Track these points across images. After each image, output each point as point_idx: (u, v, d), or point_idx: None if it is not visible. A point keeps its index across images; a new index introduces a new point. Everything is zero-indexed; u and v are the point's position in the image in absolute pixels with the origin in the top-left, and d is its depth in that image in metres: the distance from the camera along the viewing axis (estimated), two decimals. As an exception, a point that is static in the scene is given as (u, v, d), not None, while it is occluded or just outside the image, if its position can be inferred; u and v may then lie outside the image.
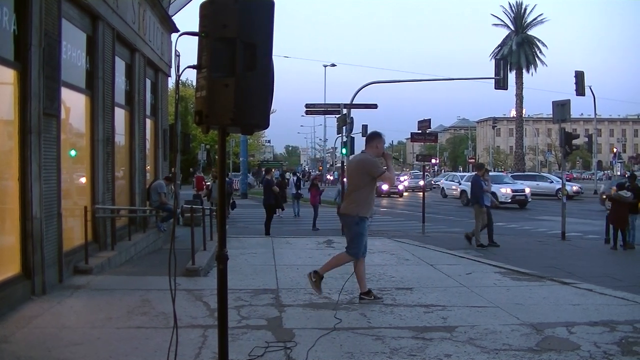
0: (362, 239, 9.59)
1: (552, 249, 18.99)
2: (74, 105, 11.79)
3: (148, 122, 17.76)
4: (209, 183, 37.34)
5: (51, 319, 8.24)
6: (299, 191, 34.35)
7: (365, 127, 43.40)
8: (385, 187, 45.20)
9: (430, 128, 27.52)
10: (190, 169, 63.01)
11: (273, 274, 12.05)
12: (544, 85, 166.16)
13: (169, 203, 17.25)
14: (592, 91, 53.61)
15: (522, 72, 73.92)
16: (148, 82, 17.82)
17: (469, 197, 19.31)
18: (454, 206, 41.61)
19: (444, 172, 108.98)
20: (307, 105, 33.00)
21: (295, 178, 37.33)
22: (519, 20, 77.63)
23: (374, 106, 31.65)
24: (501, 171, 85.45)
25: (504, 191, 39.65)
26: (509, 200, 39.22)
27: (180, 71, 5.28)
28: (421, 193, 51.01)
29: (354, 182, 9.72)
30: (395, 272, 12.37)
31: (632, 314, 9.02)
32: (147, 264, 13.73)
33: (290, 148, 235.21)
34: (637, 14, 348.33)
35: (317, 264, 12.70)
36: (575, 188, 49.15)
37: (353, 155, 10.55)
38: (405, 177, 64.17)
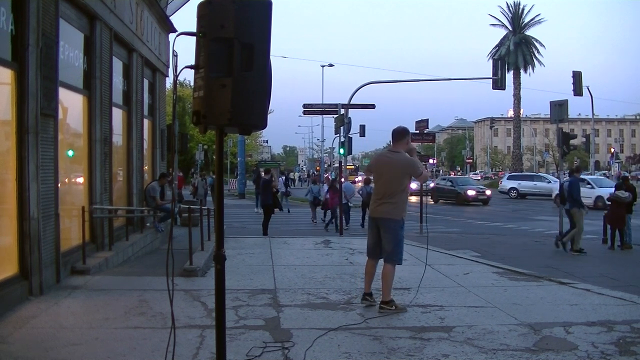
0: (403, 242, 9.34)
1: (550, 249, 18.98)
2: (72, 105, 11.78)
3: (145, 122, 17.75)
4: (194, 181, 38.04)
5: (49, 319, 8.23)
6: (288, 189, 36.49)
7: (362, 127, 43.41)
8: (471, 192, 46.73)
9: (427, 128, 27.55)
10: (192, 170, 63.06)
11: (271, 274, 12.04)
12: (541, 86, 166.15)
13: (166, 203, 17.25)
14: (589, 91, 53.57)
15: (519, 72, 74.05)
16: (146, 82, 17.81)
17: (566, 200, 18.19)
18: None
19: (441, 172, 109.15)
20: (305, 106, 32.99)
21: (283, 177, 38.47)
22: (516, 20, 77.73)
23: (372, 106, 31.65)
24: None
25: (471, 193, 47.11)
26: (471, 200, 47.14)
27: (178, 71, 5.28)
28: (483, 205, 51.70)
29: (396, 183, 9.09)
30: (393, 272, 12.35)
31: (630, 313, 9.03)
32: (144, 264, 13.72)
33: (288, 148, 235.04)
34: (635, 14, 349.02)
35: (314, 264, 12.75)
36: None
37: (386, 155, 9.84)
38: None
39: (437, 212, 36.13)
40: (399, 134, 9.41)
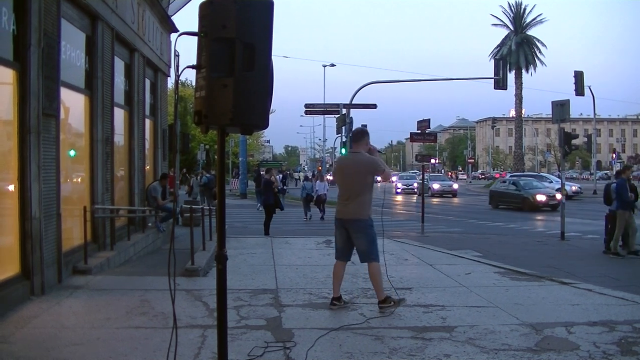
0: (377, 240, 9.28)
1: (551, 249, 18.99)
2: (73, 105, 11.79)
3: (147, 122, 17.75)
4: (191, 181, 38.49)
5: (50, 319, 8.24)
6: (284, 187, 36.98)
7: (364, 127, 43.49)
8: (436, 186, 54.56)
9: (429, 128, 27.53)
10: (184, 170, 63.09)
11: (272, 274, 12.04)
12: (543, 85, 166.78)
13: (167, 203, 17.26)
14: (591, 91, 53.64)
15: (521, 72, 73.96)
16: (147, 82, 17.82)
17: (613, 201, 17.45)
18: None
19: (443, 172, 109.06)
20: (306, 105, 33.10)
21: (281, 176, 38.77)
22: (518, 20, 77.66)
23: (374, 106, 31.75)
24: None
25: (436, 186, 56.15)
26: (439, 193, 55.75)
27: (180, 71, 5.28)
28: (452, 197, 52.22)
29: (359, 183, 9.08)
30: (395, 272, 12.32)
31: (632, 313, 9.02)
32: (146, 264, 13.71)
33: (289, 148, 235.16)
34: (636, 14, 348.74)
35: (316, 264, 12.75)
36: (574, 188, 48.90)
37: (348, 157, 9.97)
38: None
39: (439, 212, 36.11)
40: (358, 135, 9.53)
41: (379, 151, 9.76)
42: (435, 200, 48.39)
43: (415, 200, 49.88)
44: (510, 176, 53.06)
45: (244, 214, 33.34)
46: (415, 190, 59.31)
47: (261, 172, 47.98)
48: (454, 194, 56.55)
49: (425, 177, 51.54)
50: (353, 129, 9.49)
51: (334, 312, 8.94)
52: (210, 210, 17.79)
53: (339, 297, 9.30)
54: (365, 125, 28.65)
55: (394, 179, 61.44)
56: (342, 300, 9.32)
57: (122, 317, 8.38)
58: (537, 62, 75.24)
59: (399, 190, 60.63)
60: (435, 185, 56.58)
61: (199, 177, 36.44)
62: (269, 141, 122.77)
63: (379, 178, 9.57)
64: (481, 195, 55.56)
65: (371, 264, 9.16)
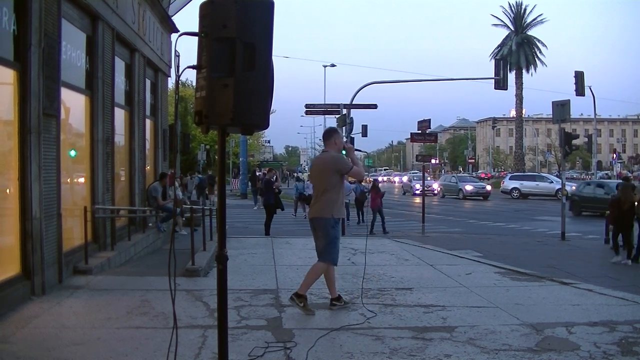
0: (338, 242, 9.20)
1: (552, 249, 19.03)
2: (74, 105, 11.79)
3: (148, 122, 17.75)
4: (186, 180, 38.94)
5: (51, 319, 8.24)
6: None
7: (365, 127, 43.25)
8: (468, 187, 52.68)
9: (429, 128, 27.52)
10: (171, 170, 63.17)
11: (273, 274, 12.04)
12: (543, 86, 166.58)
13: (168, 203, 17.26)
14: (591, 91, 53.49)
15: (521, 72, 73.99)
16: (148, 82, 17.82)
17: None
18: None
19: (444, 172, 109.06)
20: (307, 106, 33.02)
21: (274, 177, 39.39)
22: (518, 20, 77.71)
23: (374, 106, 31.66)
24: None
25: (469, 188, 53.90)
26: (472, 195, 53.28)
27: (180, 71, 5.29)
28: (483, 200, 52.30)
29: (323, 181, 9.06)
30: (395, 272, 12.37)
31: (632, 314, 9.02)
32: (146, 264, 13.71)
33: (290, 148, 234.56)
34: (636, 14, 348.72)
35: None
36: (574, 188, 48.72)
37: (318, 156, 10.01)
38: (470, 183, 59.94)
39: (442, 212, 36.10)
40: (326, 134, 9.58)
41: (356, 149, 9.78)
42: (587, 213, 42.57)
43: (437, 202, 49.17)
44: (599, 178, 52.37)
45: (245, 214, 33.35)
46: (436, 192, 58.51)
47: (256, 173, 48.39)
48: (485, 196, 53.33)
49: (601, 185, 48.84)
50: (325, 129, 9.47)
51: (334, 312, 8.95)
52: (209, 210, 17.77)
53: (338, 297, 9.31)
54: (340, 123, 28.66)
55: (404, 179, 60.95)
56: (342, 300, 9.33)
57: (123, 317, 8.38)
58: (538, 62, 75.35)
59: (417, 192, 57.12)
60: (468, 187, 54.34)
61: (192, 178, 37.40)
62: (269, 141, 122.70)
63: (350, 177, 9.49)
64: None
65: (319, 263, 9.13)
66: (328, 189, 8.98)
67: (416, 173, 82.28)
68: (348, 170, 9.10)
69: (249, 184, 43.84)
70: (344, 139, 9.64)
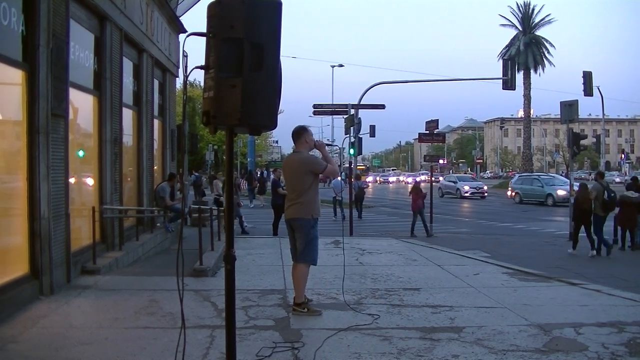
0: (317, 242, 9.18)
1: (560, 249, 18.97)
2: (82, 105, 11.82)
3: (156, 122, 17.79)
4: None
5: (59, 319, 8.26)
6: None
7: (372, 127, 43.28)
8: (466, 187, 51.96)
9: (437, 128, 27.42)
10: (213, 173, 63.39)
11: (281, 274, 12.03)
12: (551, 86, 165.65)
13: (176, 203, 17.27)
14: (600, 91, 53.38)
15: (529, 73, 73.71)
16: (156, 83, 17.85)
17: None
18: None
19: (451, 172, 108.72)
20: (315, 106, 33.09)
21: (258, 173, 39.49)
22: (526, 20, 77.41)
23: (382, 106, 31.72)
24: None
25: (466, 187, 54.45)
26: (468, 195, 53.34)
27: (188, 72, 5.28)
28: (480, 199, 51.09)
29: (299, 183, 8.94)
30: (403, 273, 12.36)
31: (641, 314, 9.01)
32: (154, 264, 13.74)
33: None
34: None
35: (324, 264, 12.71)
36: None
37: (290, 157, 9.88)
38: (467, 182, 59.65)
39: (447, 212, 36.06)
40: (296, 134, 9.25)
41: (328, 144, 9.59)
42: (473, 204, 44.91)
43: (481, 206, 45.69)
44: None
45: (253, 214, 33.35)
46: (485, 194, 54.82)
47: (252, 172, 48.75)
48: (482, 195, 53.79)
49: (455, 178, 49.44)
50: (293, 128, 9.29)
51: (342, 312, 8.93)
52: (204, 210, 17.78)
53: (302, 303, 9.03)
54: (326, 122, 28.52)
55: (416, 180, 60.31)
56: (304, 306, 8.97)
57: (131, 317, 8.40)
58: (546, 62, 74.98)
59: (466, 194, 53.73)
60: (465, 187, 54.75)
61: (190, 177, 38.13)
62: (277, 141, 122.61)
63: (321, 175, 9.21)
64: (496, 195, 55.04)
65: (299, 265, 9.01)
66: (305, 189, 8.89)
67: (457, 173, 79.54)
68: (322, 170, 9.02)
69: (246, 183, 44.05)
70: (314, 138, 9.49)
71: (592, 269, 14.72)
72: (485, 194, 54.46)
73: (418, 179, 40.97)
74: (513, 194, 48.72)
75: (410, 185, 32.74)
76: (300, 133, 9.20)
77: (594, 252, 17.63)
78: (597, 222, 18.03)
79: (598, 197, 18.14)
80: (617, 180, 71.82)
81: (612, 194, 18.50)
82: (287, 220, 9.18)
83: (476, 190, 54.37)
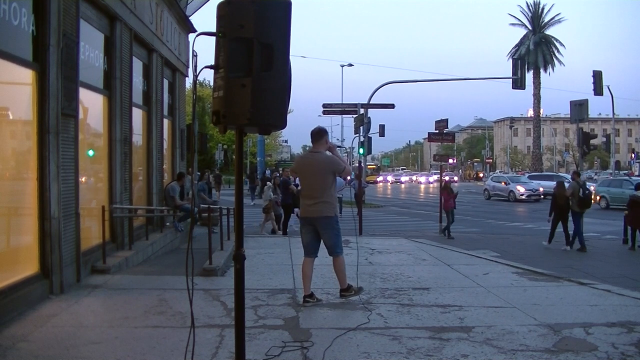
0: (341, 235, 9.78)
1: (570, 249, 18.91)
2: (92, 105, 11.85)
3: (165, 122, 17.81)
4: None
5: (69, 318, 8.29)
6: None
7: (382, 126, 43.32)
8: (521, 189, 46.19)
9: (447, 128, 27.38)
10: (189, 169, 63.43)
11: (290, 273, 12.04)
12: (561, 85, 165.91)
13: (185, 203, 17.28)
14: (610, 91, 53.05)
15: (539, 72, 73.55)
16: (165, 82, 17.88)
17: None
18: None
19: (498, 172, 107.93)
20: (324, 105, 33.07)
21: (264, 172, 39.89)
22: (536, 19, 77.28)
23: (391, 106, 31.67)
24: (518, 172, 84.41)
25: (521, 189, 47.12)
26: (524, 197, 46.58)
27: (198, 71, 5.29)
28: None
29: (321, 182, 9.38)
30: (412, 272, 12.35)
31: (651, 315, 8.97)
32: (164, 263, 13.76)
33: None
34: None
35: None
36: (592, 188, 47.99)
37: (307, 156, 10.04)
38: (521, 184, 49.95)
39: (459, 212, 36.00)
40: (317, 134, 9.66)
41: (338, 146, 9.95)
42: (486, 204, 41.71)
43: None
44: None
45: (252, 212, 33.39)
46: (542, 196, 46.40)
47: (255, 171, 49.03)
48: (538, 198, 46.26)
49: (506, 179, 46.40)
50: (312, 129, 9.65)
51: (351, 312, 8.93)
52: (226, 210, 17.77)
53: (310, 294, 9.52)
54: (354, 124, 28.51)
55: (448, 178, 58.89)
56: (314, 297, 9.51)
57: (140, 317, 8.42)
58: (556, 61, 74.84)
59: (523, 197, 46.78)
60: (520, 189, 47.22)
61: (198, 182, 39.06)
62: (286, 141, 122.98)
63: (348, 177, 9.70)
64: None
65: (337, 258, 9.63)
66: (327, 188, 9.34)
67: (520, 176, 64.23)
68: (342, 170, 9.52)
69: (247, 181, 44.16)
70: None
71: (602, 269, 14.68)
72: (542, 196, 45.95)
73: (447, 178, 39.64)
74: (598, 198, 41.40)
75: (425, 185, 32.29)
76: (321, 134, 9.66)
77: (568, 247, 18.73)
78: (574, 218, 18.93)
79: (574, 194, 19.05)
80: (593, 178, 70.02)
81: (587, 191, 19.34)
82: (307, 218, 9.58)
83: (532, 193, 47.07)
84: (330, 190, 9.40)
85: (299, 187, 11.63)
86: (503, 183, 50.54)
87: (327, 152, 9.59)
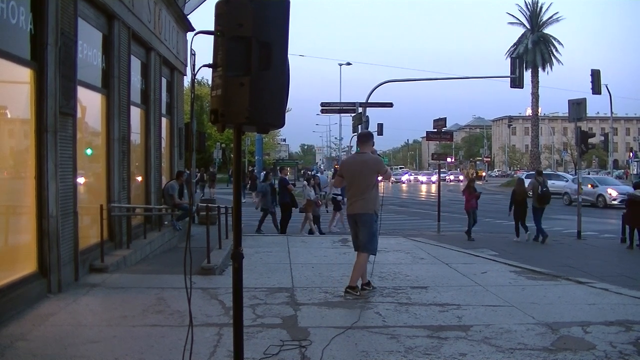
0: (378, 235, 10.23)
1: (568, 248, 18.94)
2: (90, 104, 11.84)
3: (163, 120, 17.81)
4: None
5: (67, 316, 8.29)
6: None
7: (380, 125, 43.22)
8: (613, 193, 37.81)
9: (445, 127, 27.32)
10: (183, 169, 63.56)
11: (288, 272, 12.05)
12: (560, 84, 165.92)
13: (183, 202, 17.28)
14: (608, 89, 53.17)
15: (537, 71, 73.55)
16: (164, 81, 17.88)
17: None
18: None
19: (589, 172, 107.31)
20: (322, 104, 33.05)
21: (263, 173, 40.25)
22: (534, 18, 77.27)
23: (390, 105, 31.66)
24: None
25: (613, 193, 38.31)
26: (616, 203, 36.57)
27: (196, 70, 5.29)
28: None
29: (367, 181, 9.94)
30: (410, 271, 12.35)
31: (649, 313, 8.97)
32: (162, 262, 13.76)
33: (305, 147, 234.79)
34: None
35: (332, 263, 12.76)
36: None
37: (356, 157, 10.49)
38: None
39: (455, 210, 36.01)
40: (365, 137, 10.77)
41: (378, 154, 10.51)
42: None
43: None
44: None
45: (261, 212, 33.41)
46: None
47: (250, 170, 49.11)
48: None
49: (594, 181, 41.93)
50: (360, 132, 10.11)
51: (349, 310, 8.94)
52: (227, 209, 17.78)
53: (368, 282, 10.33)
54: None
55: (470, 177, 58.16)
56: (371, 285, 10.35)
57: (139, 315, 8.42)
58: (554, 60, 74.80)
59: (614, 202, 37.45)
60: (612, 192, 38.53)
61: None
62: (285, 140, 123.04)
63: (380, 177, 10.24)
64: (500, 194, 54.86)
65: (362, 255, 10.08)
66: (370, 187, 9.92)
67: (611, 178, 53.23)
68: (385, 172, 10.26)
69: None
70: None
71: (600, 268, 14.67)
72: None
73: (469, 176, 38.43)
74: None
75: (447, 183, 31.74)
76: (368, 137, 10.78)
77: (517, 238, 20.59)
78: (534, 212, 20.71)
79: (534, 191, 20.89)
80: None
81: (545, 189, 21.07)
82: (351, 215, 10.27)
83: (624, 197, 33.88)
84: (372, 189, 9.98)
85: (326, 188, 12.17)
86: (590, 185, 40.12)
87: (373, 154, 10.38)
